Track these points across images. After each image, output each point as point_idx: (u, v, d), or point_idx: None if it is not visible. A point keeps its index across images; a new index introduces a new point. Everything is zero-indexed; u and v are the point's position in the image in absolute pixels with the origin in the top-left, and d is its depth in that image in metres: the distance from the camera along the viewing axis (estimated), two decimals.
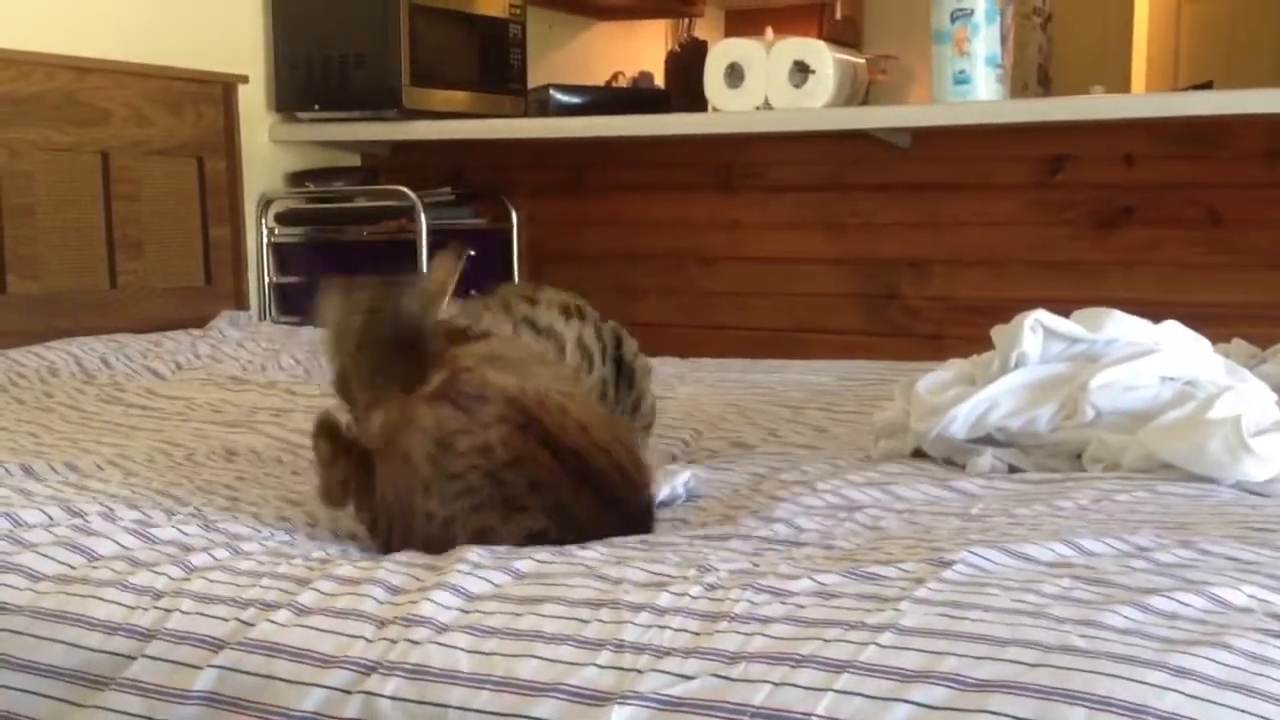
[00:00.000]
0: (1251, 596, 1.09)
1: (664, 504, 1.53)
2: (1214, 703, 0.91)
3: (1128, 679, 0.93)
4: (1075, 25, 5.40)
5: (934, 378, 1.79)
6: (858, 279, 3.41)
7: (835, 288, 3.43)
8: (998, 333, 1.83)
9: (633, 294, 3.66)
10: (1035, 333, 1.74)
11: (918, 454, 1.76)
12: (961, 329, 3.21)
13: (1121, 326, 1.76)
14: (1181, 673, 0.94)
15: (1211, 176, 3.07)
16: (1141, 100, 3.78)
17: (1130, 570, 1.17)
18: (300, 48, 3.43)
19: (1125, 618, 1.03)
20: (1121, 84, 5.13)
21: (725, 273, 3.57)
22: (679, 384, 2.40)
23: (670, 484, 1.55)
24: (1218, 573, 1.15)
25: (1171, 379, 1.67)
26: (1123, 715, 0.90)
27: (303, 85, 3.46)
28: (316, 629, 1.13)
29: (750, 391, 2.32)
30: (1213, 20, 5.54)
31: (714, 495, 1.54)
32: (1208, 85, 3.84)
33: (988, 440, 1.70)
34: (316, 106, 3.47)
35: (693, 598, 1.11)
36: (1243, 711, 0.90)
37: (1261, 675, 0.94)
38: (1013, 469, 1.67)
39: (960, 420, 1.69)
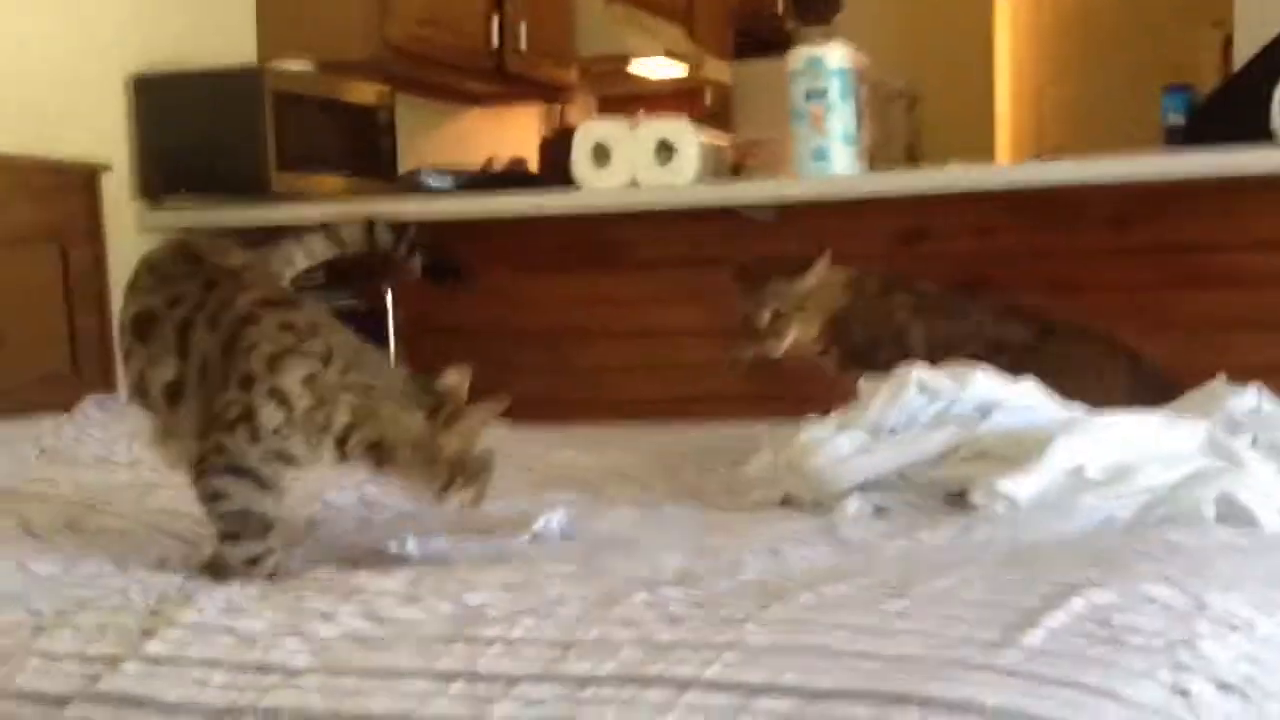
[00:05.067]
0: (1090, 602, 1.14)
1: (539, 537, 1.55)
2: (1040, 697, 0.95)
3: (958, 680, 0.97)
4: (941, 109, 5.68)
5: (816, 431, 1.86)
6: (730, 349, 3.47)
7: (709, 358, 3.48)
8: (869, 387, 1.91)
9: (513, 370, 3.65)
10: (915, 389, 1.84)
11: (786, 501, 1.81)
12: (831, 390, 3.28)
13: (985, 385, 1.86)
14: (1009, 672, 0.98)
15: (1063, 244, 3.21)
16: (990, 172, 3.89)
17: (971, 589, 1.21)
18: (165, 134, 3.40)
19: (963, 629, 1.08)
20: (987, 162, 5.35)
21: (603, 348, 3.60)
22: (550, 451, 2.41)
23: (545, 516, 1.57)
24: (1053, 584, 1.21)
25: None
26: (952, 713, 0.93)
27: (169, 171, 3.42)
28: (165, 679, 1.12)
29: (626, 454, 2.35)
30: (1072, 102, 5.87)
31: (583, 539, 1.56)
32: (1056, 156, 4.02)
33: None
34: (183, 191, 3.44)
35: (544, 630, 1.13)
36: (1068, 704, 0.95)
37: (1083, 671, 0.99)
38: (878, 510, 1.73)
39: (863, 472, 1.76)
